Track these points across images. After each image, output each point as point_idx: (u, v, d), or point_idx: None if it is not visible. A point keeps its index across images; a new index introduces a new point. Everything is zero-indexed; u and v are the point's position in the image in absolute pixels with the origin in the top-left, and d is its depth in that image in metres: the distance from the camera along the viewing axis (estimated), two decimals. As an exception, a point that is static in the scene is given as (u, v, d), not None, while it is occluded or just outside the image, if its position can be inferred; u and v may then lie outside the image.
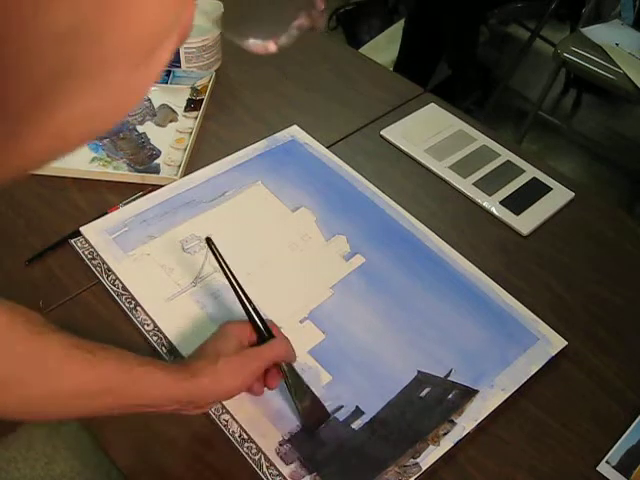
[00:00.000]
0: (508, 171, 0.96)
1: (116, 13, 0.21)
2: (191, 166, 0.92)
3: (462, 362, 0.73)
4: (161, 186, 0.88)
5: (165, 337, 0.72)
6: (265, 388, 0.65)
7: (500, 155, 0.98)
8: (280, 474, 0.63)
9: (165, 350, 0.72)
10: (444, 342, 0.74)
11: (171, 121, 0.99)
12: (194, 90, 1.03)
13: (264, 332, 0.64)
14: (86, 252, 0.80)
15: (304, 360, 0.71)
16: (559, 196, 0.93)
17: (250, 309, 0.65)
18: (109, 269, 0.78)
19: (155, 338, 0.73)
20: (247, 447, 0.65)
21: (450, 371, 0.72)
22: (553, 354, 0.74)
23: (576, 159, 2.19)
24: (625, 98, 1.90)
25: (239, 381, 0.60)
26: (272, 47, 0.26)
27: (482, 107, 2.16)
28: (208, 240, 0.66)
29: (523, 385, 0.71)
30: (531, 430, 0.69)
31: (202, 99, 1.01)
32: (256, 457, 0.65)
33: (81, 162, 0.90)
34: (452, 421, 0.68)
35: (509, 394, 0.70)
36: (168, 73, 1.05)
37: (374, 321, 0.76)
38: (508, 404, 0.70)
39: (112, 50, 0.22)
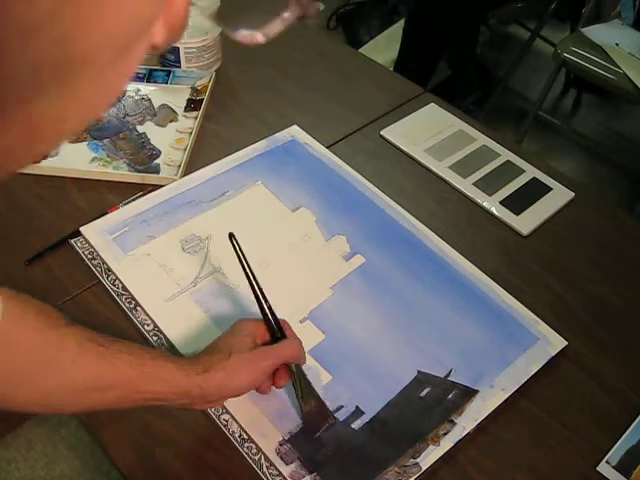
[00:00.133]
0: (508, 171, 0.96)
1: (90, 4, 0.20)
2: (191, 166, 0.92)
3: (462, 362, 0.73)
4: (161, 186, 0.88)
5: (165, 337, 0.72)
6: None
7: (500, 155, 0.98)
8: (280, 474, 0.63)
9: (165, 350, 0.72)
10: (444, 342, 0.74)
11: (171, 121, 0.99)
12: (194, 90, 1.03)
13: (277, 332, 0.65)
14: (86, 252, 0.80)
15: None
16: (559, 196, 0.93)
17: (265, 308, 0.66)
18: (109, 269, 0.78)
19: (155, 338, 0.73)
20: (247, 447, 0.65)
21: (450, 371, 0.72)
22: (553, 354, 0.74)
23: (576, 159, 2.19)
24: (625, 98, 1.90)
25: (251, 378, 0.60)
26: (260, 37, 0.25)
27: (482, 107, 2.16)
28: (231, 235, 0.67)
29: (523, 385, 0.71)
30: (531, 430, 0.69)
31: (202, 99, 1.01)
32: (256, 457, 0.65)
33: (81, 162, 0.90)
34: (452, 421, 0.68)
35: (509, 394, 0.70)
36: (168, 73, 1.05)
37: (374, 321, 0.76)
38: (508, 404, 0.70)
39: (85, 45, 0.21)
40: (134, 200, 0.86)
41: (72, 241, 0.82)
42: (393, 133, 1.00)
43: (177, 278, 0.78)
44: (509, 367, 0.72)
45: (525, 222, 0.89)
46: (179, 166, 0.91)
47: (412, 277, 0.80)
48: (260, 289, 0.67)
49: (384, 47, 2.28)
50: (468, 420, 0.68)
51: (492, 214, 0.90)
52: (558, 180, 0.95)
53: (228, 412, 0.67)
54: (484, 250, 0.85)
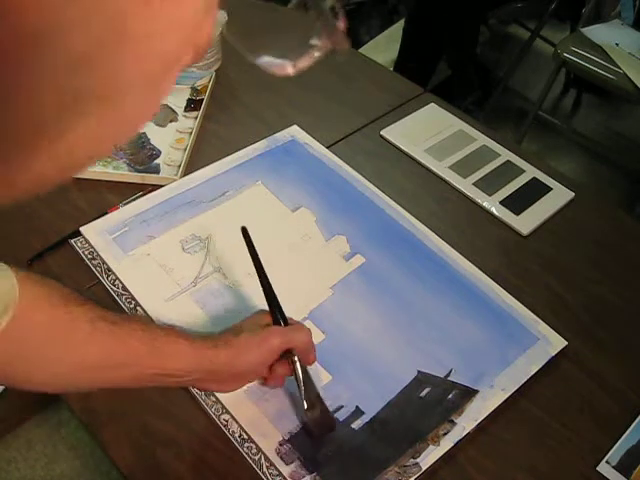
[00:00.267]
0: (508, 171, 0.96)
1: (131, 42, 0.20)
2: (191, 166, 0.92)
3: (462, 362, 0.73)
4: (161, 186, 0.88)
5: (165, 337, 0.72)
6: (269, 388, 0.66)
7: (500, 155, 0.98)
8: (280, 474, 0.63)
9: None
10: (444, 342, 0.74)
11: (171, 121, 0.99)
12: (194, 90, 1.03)
13: (282, 322, 0.65)
14: (86, 252, 0.80)
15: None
16: (559, 196, 0.93)
17: (270, 295, 0.67)
18: (109, 269, 0.78)
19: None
20: (247, 447, 0.65)
21: (450, 371, 0.72)
22: (553, 354, 0.74)
23: (576, 159, 2.19)
24: (625, 98, 1.90)
25: (260, 355, 0.61)
26: (290, 70, 0.25)
27: (482, 107, 2.16)
28: (244, 230, 0.68)
29: (523, 385, 0.71)
30: (531, 430, 0.69)
31: (202, 99, 1.01)
32: (256, 457, 0.65)
33: (81, 162, 0.90)
34: (452, 421, 0.68)
35: (509, 394, 0.70)
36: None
37: (374, 321, 0.76)
38: (508, 404, 0.70)
39: (123, 79, 0.21)
40: (134, 200, 0.86)
41: (72, 241, 0.82)
42: (393, 133, 1.00)
43: (177, 278, 0.78)
44: (509, 367, 0.72)
45: (525, 222, 0.89)
46: (179, 166, 0.91)
47: (412, 277, 0.80)
48: (268, 282, 0.68)
49: (384, 47, 2.28)
50: (468, 420, 0.68)
51: (492, 214, 0.90)
52: (558, 180, 0.95)
53: (228, 412, 0.67)
54: (484, 250, 0.85)
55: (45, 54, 0.19)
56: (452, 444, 0.66)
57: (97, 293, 0.77)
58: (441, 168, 0.96)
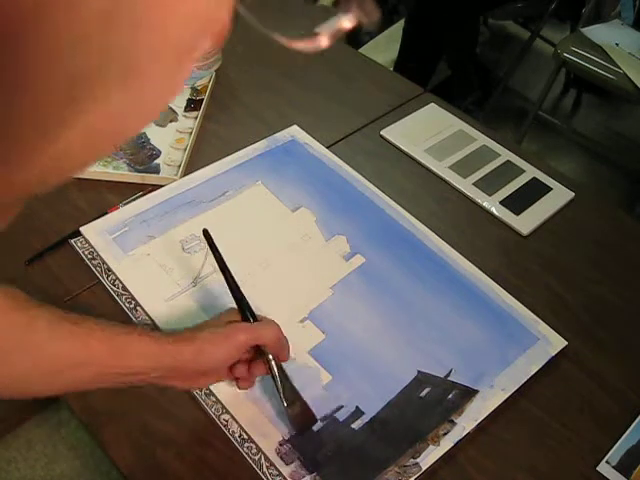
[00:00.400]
0: (508, 171, 0.96)
1: (143, 30, 0.20)
2: (191, 166, 0.92)
3: (462, 362, 0.73)
4: (161, 186, 0.88)
5: (165, 337, 0.72)
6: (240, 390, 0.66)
7: (500, 155, 0.98)
8: (280, 474, 0.63)
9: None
10: (444, 342, 0.74)
11: (171, 121, 0.99)
12: (194, 90, 1.03)
13: (250, 317, 0.65)
14: (86, 252, 0.80)
15: (304, 360, 0.71)
16: (559, 196, 0.93)
17: (236, 291, 0.65)
18: (109, 269, 0.78)
19: (155, 338, 0.73)
20: (247, 447, 0.65)
21: (450, 371, 0.72)
22: (553, 354, 0.74)
23: (576, 159, 2.19)
24: (625, 98, 1.90)
25: (225, 351, 0.60)
26: (324, 43, 0.24)
27: (482, 107, 2.16)
28: (205, 232, 0.67)
29: (523, 385, 0.71)
30: (531, 430, 0.69)
31: (202, 99, 1.01)
32: (256, 457, 0.65)
33: (81, 162, 0.90)
34: (452, 421, 0.68)
35: (509, 394, 0.70)
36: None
37: (374, 321, 0.76)
38: (508, 404, 0.70)
39: (146, 49, 0.21)
40: (134, 200, 0.86)
41: (72, 241, 0.82)
42: (393, 133, 1.00)
43: (177, 278, 0.78)
44: (509, 367, 0.72)
45: (525, 222, 0.89)
46: (179, 166, 0.91)
47: (412, 277, 0.80)
48: (233, 278, 0.66)
49: (384, 47, 2.28)
50: (468, 420, 0.68)
51: (492, 214, 0.90)
52: (558, 180, 0.95)
53: (228, 412, 0.67)
54: (484, 250, 0.85)
55: (48, 36, 0.18)
56: (452, 444, 0.66)
57: (97, 293, 0.77)
58: (441, 168, 0.96)
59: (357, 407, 0.68)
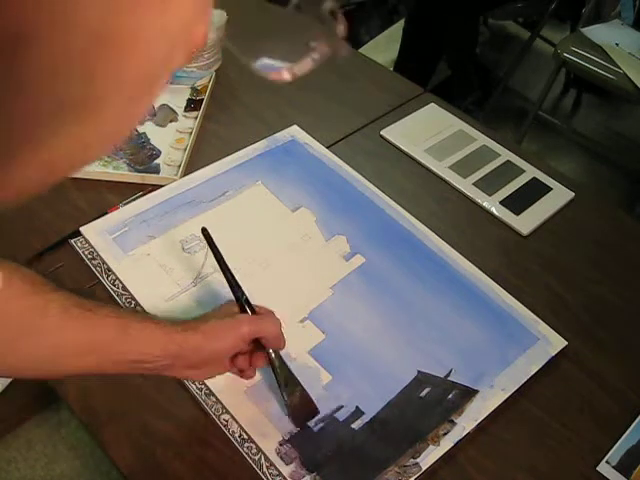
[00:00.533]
0: (508, 171, 0.96)
1: (117, 48, 0.20)
2: (191, 166, 0.92)
3: (462, 362, 0.73)
4: (161, 186, 0.88)
5: (165, 337, 0.72)
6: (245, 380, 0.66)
7: (500, 155, 0.98)
8: (280, 474, 0.63)
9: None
10: (444, 342, 0.74)
11: (171, 121, 0.99)
12: (194, 90, 1.03)
13: (249, 311, 0.65)
14: (86, 252, 0.80)
15: (304, 360, 0.71)
16: (559, 196, 0.93)
17: (235, 287, 0.66)
18: (109, 269, 0.78)
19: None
20: (247, 447, 0.65)
21: (450, 371, 0.72)
22: (553, 354, 0.74)
23: (576, 159, 2.19)
24: (625, 98, 1.90)
25: (229, 342, 0.61)
26: (287, 76, 0.25)
27: (482, 107, 2.16)
28: (204, 230, 0.68)
29: (523, 385, 0.71)
30: (531, 430, 0.69)
31: (202, 99, 1.01)
32: (256, 457, 0.65)
33: (81, 162, 0.90)
34: (452, 421, 0.68)
35: (509, 394, 0.70)
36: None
37: (374, 321, 0.76)
38: (508, 404, 0.70)
39: (109, 86, 0.21)
40: (134, 200, 0.86)
41: (72, 241, 0.82)
42: (393, 133, 1.00)
43: (177, 278, 0.78)
44: (509, 367, 0.72)
45: (525, 222, 0.89)
46: (179, 166, 0.91)
47: (412, 277, 0.80)
48: (231, 272, 0.67)
49: (384, 47, 2.28)
50: (468, 420, 0.68)
51: (492, 214, 0.90)
52: (558, 180, 0.95)
53: (228, 412, 0.67)
54: (484, 250, 0.85)
55: (30, 58, 0.19)
56: (452, 444, 0.66)
57: (97, 293, 0.77)
58: (441, 168, 0.96)
59: (357, 407, 0.68)
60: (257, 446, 0.65)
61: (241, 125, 1.00)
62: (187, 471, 0.64)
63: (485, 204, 0.91)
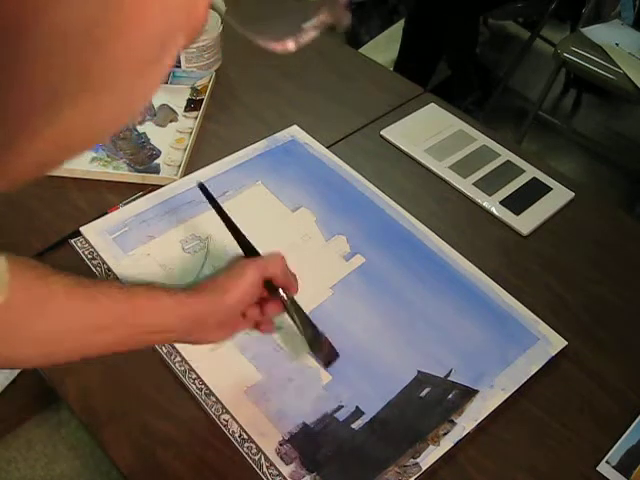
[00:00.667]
0: (508, 171, 0.96)
1: (125, 15, 0.20)
2: (191, 166, 0.92)
3: (462, 362, 0.73)
4: (161, 186, 0.88)
5: (165, 337, 0.72)
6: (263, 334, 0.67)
7: (500, 155, 0.98)
8: (280, 474, 0.63)
9: (165, 350, 0.72)
10: (444, 342, 0.74)
11: (171, 121, 0.99)
12: (194, 90, 1.03)
13: (253, 251, 0.65)
14: (86, 252, 0.80)
15: (304, 360, 0.71)
16: (559, 196, 0.93)
17: (236, 231, 0.66)
18: (109, 269, 0.78)
19: (155, 338, 0.73)
20: (247, 447, 0.65)
21: (450, 371, 0.72)
22: (553, 354, 0.74)
23: (576, 159, 2.19)
24: (625, 98, 1.90)
25: (240, 291, 0.60)
26: (291, 45, 0.24)
27: (482, 107, 2.16)
28: (201, 186, 0.69)
29: (523, 385, 0.71)
30: (531, 430, 0.69)
31: (202, 99, 1.01)
32: (256, 457, 0.65)
33: (81, 162, 0.90)
34: (452, 421, 0.68)
35: (509, 394, 0.70)
36: (168, 73, 1.05)
37: (374, 321, 0.76)
38: (508, 404, 0.70)
39: (120, 55, 0.21)
40: (134, 200, 0.86)
41: (72, 241, 0.82)
42: (393, 133, 1.00)
43: (177, 278, 0.78)
44: (509, 367, 0.72)
45: (525, 222, 0.89)
46: (179, 166, 0.91)
47: (412, 277, 0.80)
48: (231, 220, 0.67)
49: (384, 47, 2.28)
50: (468, 420, 0.68)
51: (492, 214, 0.90)
52: (558, 180, 0.95)
53: (228, 412, 0.67)
54: (484, 250, 0.85)
55: (43, 28, 0.18)
56: (452, 444, 0.66)
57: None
58: (441, 168, 0.96)
59: (357, 407, 0.68)
60: (257, 446, 0.65)
61: (241, 125, 1.00)
62: (187, 471, 0.64)
63: (485, 204, 0.91)
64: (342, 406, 0.68)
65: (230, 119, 1.01)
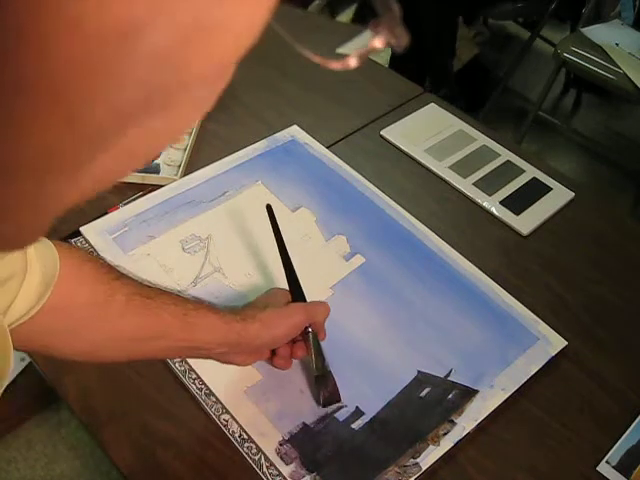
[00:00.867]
0: (508, 171, 0.96)
1: (212, 34, 0.19)
2: (191, 166, 0.92)
3: (462, 362, 0.73)
4: (161, 186, 0.88)
5: (165, 337, 0.72)
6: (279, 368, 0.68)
7: (500, 155, 0.98)
8: (280, 474, 0.63)
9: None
10: (444, 342, 0.74)
11: (171, 121, 0.99)
12: (194, 90, 1.03)
13: (301, 296, 0.68)
14: (86, 252, 0.81)
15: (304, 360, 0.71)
16: (559, 196, 0.93)
17: (292, 274, 0.70)
18: (109, 269, 0.78)
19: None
20: (247, 447, 0.65)
21: (450, 371, 0.72)
22: (553, 354, 0.74)
23: (576, 159, 2.19)
24: (625, 98, 1.90)
25: (284, 329, 0.64)
26: (354, 63, 0.23)
27: (483, 107, 2.16)
28: (268, 207, 0.72)
29: (523, 385, 0.71)
30: (531, 430, 0.69)
31: (202, 99, 1.01)
32: (256, 457, 0.65)
33: (81, 162, 0.90)
34: (452, 421, 0.68)
35: (509, 394, 0.70)
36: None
37: (374, 321, 0.76)
38: (508, 404, 0.70)
39: (195, 75, 0.21)
40: (134, 200, 0.86)
41: (72, 241, 0.81)
42: (393, 133, 1.00)
43: (177, 278, 0.78)
44: (509, 367, 0.72)
45: (525, 222, 0.89)
46: (179, 166, 0.91)
47: (412, 277, 0.80)
48: (289, 259, 0.70)
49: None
50: (468, 420, 0.68)
51: (492, 214, 0.90)
52: (558, 180, 0.95)
53: (228, 412, 0.67)
54: (484, 250, 0.85)
55: (129, 52, 0.17)
56: (452, 444, 0.66)
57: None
58: (441, 168, 0.96)
59: (357, 407, 0.68)
60: (257, 446, 0.65)
61: (241, 125, 1.00)
62: (187, 471, 0.64)
63: (485, 204, 0.91)
64: (342, 406, 0.68)
65: (230, 119, 1.01)
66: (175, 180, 0.89)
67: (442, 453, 0.65)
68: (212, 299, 0.76)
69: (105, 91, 0.18)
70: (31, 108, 0.17)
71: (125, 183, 0.89)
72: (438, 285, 0.80)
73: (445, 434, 0.67)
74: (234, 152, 0.94)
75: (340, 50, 0.23)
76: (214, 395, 0.68)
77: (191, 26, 0.18)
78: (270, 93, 1.06)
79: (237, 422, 0.67)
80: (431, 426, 0.67)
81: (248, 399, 0.68)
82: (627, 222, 0.93)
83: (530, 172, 0.96)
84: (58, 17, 0.15)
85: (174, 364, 0.70)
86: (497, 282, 0.80)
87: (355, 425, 0.67)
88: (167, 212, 0.85)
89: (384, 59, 2.13)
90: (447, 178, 0.94)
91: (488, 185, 0.94)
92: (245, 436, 0.66)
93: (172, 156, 0.93)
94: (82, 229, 0.82)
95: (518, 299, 0.79)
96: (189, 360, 0.70)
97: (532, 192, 0.93)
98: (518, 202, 0.91)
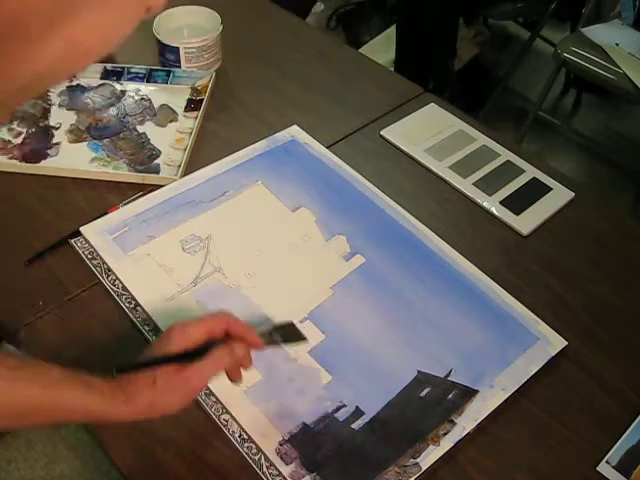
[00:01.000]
0: (508, 171, 0.96)
1: None
2: (191, 166, 0.92)
3: (462, 362, 0.73)
4: (161, 186, 0.88)
5: (165, 337, 0.72)
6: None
7: (500, 155, 0.98)
8: (280, 474, 0.63)
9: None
10: (444, 342, 0.74)
11: (171, 121, 0.99)
12: (194, 90, 1.03)
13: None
14: (86, 252, 0.80)
15: (304, 360, 0.71)
16: (559, 196, 0.93)
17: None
18: (109, 269, 0.78)
19: (155, 338, 0.73)
20: (247, 447, 0.65)
21: (450, 371, 0.72)
22: (553, 354, 0.74)
23: (576, 159, 2.19)
24: (625, 98, 1.89)
25: (179, 399, 0.59)
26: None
27: (483, 107, 2.16)
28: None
29: (523, 385, 0.71)
30: (531, 430, 0.69)
31: (202, 99, 1.01)
32: (256, 457, 0.65)
33: (81, 162, 0.90)
34: (452, 421, 0.68)
35: (509, 394, 0.70)
36: (168, 73, 1.05)
37: (374, 321, 0.76)
38: (508, 404, 0.70)
39: None
40: (134, 200, 0.86)
41: (72, 241, 0.82)
42: (393, 133, 1.00)
43: (177, 278, 0.78)
44: (509, 367, 0.72)
45: (525, 222, 0.89)
46: (179, 166, 0.91)
47: (412, 277, 0.80)
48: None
49: (384, 47, 2.28)
50: (468, 420, 0.68)
51: (492, 214, 0.90)
52: (558, 180, 0.95)
53: (228, 412, 0.67)
54: (484, 250, 0.85)
55: None
56: (452, 444, 0.66)
57: (97, 293, 0.77)
58: (441, 168, 0.96)
59: (357, 407, 0.68)
60: (257, 446, 0.65)
61: (241, 125, 1.00)
62: (187, 471, 0.64)
63: (485, 204, 0.91)
64: (342, 406, 0.68)
65: (230, 119, 1.01)
66: (175, 180, 0.89)
67: (442, 453, 0.65)
68: (212, 299, 0.76)
69: None
70: None
71: (125, 183, 0.89)
72: (438, 285, 0.80)
73: (445, 434, 0.67)
74: (234, 152, 0.94)
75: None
76: (214, 395, 0.68)
77: None
78: (270, 93, 1.06)
79: (237, 422, 0.67)
80: (431, 426, 0.67)
81: (248, 399, 0.68)
82: (627, 222, 0.93)
83: (530, 172, 0.96)
84: None
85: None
86: (497, 282, 0.80)
87: (355, 425, 0.67)
88: (167, 212, 0.85)
89: (387, 60, 2.13)
90: (447, 178, 0.94)
91: (488, 185, 0.94)
92: (245, 436, 0.66)
93: (172, 156, 0.93)
94: (82, 229, 0.82)
95: (518, 299, 0.79)
96: (189, 360, 0.70)
97: (532, 192, 0.93)
98: (518, 202, 0.91)
